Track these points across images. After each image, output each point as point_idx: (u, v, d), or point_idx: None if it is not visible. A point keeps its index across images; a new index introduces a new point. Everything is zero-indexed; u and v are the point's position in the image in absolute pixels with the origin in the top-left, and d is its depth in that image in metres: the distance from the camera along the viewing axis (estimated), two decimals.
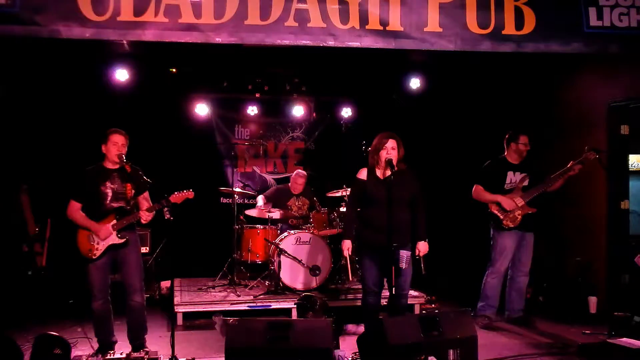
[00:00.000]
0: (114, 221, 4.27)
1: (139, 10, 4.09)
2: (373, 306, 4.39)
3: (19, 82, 6.50)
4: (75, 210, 4.30)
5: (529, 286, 5.70)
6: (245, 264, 6.51)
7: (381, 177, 4.36)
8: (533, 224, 5.36)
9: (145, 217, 4.31)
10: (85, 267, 4.29)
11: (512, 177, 5.38)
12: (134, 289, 4.36)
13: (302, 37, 4.31)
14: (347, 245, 4.42)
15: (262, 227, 6.45)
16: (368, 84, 7.71)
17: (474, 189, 5.44)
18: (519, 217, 5.26)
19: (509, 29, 4.51)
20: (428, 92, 7.46)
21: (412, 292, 5.59)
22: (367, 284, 4.39)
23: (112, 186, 4.33)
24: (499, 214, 5.28)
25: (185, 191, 4.32)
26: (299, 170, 6.96)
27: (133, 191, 4.35)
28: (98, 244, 4.26)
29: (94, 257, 4.24)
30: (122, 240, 4.30)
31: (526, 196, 5.25)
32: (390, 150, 4.28)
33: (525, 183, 5.31)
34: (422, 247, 4.37)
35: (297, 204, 6.87)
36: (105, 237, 4.25)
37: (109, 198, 4.31)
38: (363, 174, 4.43)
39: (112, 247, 4.29)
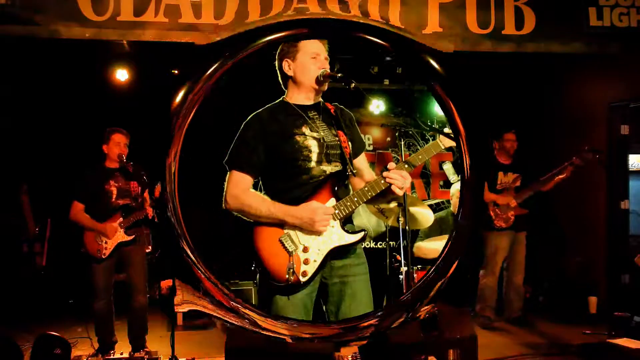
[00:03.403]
0: (121, 219, 4.27)
1: (139, 10, 4.09)
2: None
3: (19, 82, 6.49)
4: (78, 211, 4.29)
5: (529, 286, 5.69)
6: None
7: None
8: (524, 223, 5.35)
9: (152, 212, 4.31)
10: (89, 266, 4.28)
11: (503, 178, 5.36)
12: (138, 289, 4.36)
13: None
14: None
15: None
16: None
17: None
18: (512, 217, 5.25)
19: (509, 29, 4.51)
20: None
21: None
22: None
23: (116, 184, 4.32)
24: (492, 214, 5.28)
25: None
26: None
27: (139, 188, 4.36)
28: (106, 243, 4.25)
29: (103, 257, 4.23)
30: (130, 238, 4.30)
31: (519, 197, 5.25)
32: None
33: (518, 184, 5.30)
34: None
35: None
36: (113, 234, 4.24)
37: (114, 196, 4.31)
38: None
39: (120, 245, 4.28)
